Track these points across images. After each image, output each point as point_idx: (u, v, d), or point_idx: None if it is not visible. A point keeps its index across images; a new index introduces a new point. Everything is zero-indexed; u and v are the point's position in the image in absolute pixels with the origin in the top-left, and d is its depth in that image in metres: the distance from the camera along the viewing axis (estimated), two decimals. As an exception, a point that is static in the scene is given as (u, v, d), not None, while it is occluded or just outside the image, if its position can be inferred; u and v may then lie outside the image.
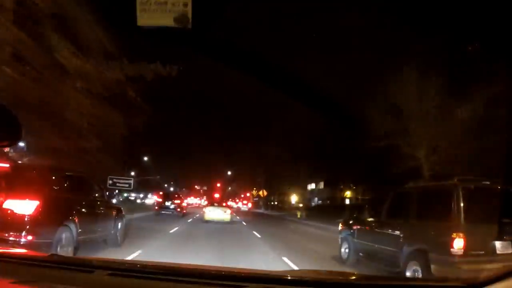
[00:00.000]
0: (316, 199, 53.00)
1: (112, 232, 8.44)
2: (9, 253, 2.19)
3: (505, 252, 5.24)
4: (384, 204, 7.35)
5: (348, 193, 38.46)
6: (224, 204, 22.58)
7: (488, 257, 5.17)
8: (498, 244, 5.26)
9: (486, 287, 1.57)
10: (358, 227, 8.09)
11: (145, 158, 50.15)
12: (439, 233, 5.53)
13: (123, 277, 1.64)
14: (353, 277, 2.02)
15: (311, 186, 56.34)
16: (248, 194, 73.44)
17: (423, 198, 6.38)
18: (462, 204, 5.39)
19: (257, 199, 69.56)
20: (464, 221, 5.29)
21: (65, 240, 5.94)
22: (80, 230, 6.41)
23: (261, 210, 53.42)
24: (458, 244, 5.16)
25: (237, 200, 70.65)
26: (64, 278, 1.63)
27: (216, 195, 24.85)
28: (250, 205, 61.08)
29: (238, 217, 26.87)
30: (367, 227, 7.74)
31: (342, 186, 37.73)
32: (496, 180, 5.87)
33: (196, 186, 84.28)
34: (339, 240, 8.81)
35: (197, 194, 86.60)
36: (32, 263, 1.81)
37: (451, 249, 5.17)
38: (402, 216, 6.61)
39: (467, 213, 5.32)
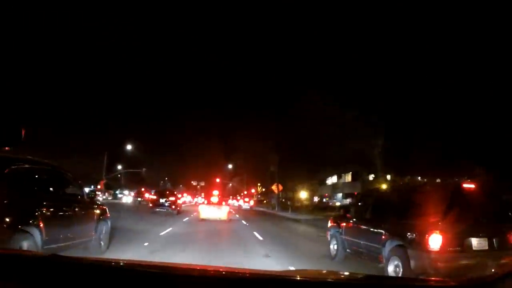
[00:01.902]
0: (339, 195, 48.70)
1: (94, 237, 7.77)
2: (8, 253, 2.35)
3: (481, 248, 5.68)
4: (369, 202, 7.75)
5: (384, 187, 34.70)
6: (224, 203, 23.31)
7: (465, 254, 5.63)
8: (474, 241, 5.68)
9: (485, 287, 1.67)
10: (346, 224, 8.65)
11: (129, 147, 48.30)
12: (418, 230, 5.98)
13: (122, 277, 1.72)
14: (354, 278, 2.13)
15: (332, 179, 52.23)
16: (253, 191, 71.88)
17: (404, 196, 6.76)
18: (439, 202, 5.80)
19: (259, 196, 68.88)
20: (441, 219, 5.68)
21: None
22: (47, 237, 5.62)
23: (267, 210, 47.16)
24: (435, 240, 5.52)
25: (238, 198, 68.71)
26: (64, 278, 1.71)
27: (215, 192, 25.14)
28: (252, 202, 59.42)
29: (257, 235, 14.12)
30: (354, 225, 8.29)
31: (374, 177, 31.82)
32: (472, 180, 6.21)
33: (192, 182, 77.45)
34: (328, 237, 9.39)
35: (194, 191, 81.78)
36: (32, 263, 1.89)
37: (428, 246, 5.55)
38: (385, 213, 7.12)
39: (444, 210, 5.77)
